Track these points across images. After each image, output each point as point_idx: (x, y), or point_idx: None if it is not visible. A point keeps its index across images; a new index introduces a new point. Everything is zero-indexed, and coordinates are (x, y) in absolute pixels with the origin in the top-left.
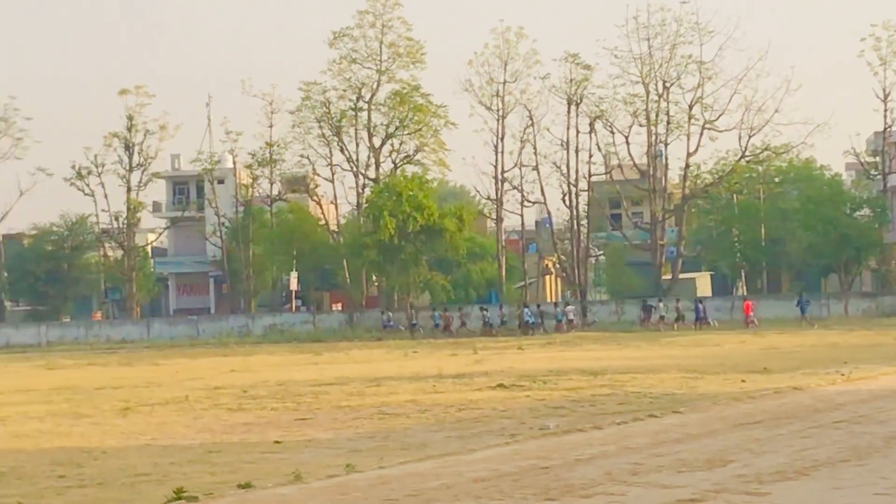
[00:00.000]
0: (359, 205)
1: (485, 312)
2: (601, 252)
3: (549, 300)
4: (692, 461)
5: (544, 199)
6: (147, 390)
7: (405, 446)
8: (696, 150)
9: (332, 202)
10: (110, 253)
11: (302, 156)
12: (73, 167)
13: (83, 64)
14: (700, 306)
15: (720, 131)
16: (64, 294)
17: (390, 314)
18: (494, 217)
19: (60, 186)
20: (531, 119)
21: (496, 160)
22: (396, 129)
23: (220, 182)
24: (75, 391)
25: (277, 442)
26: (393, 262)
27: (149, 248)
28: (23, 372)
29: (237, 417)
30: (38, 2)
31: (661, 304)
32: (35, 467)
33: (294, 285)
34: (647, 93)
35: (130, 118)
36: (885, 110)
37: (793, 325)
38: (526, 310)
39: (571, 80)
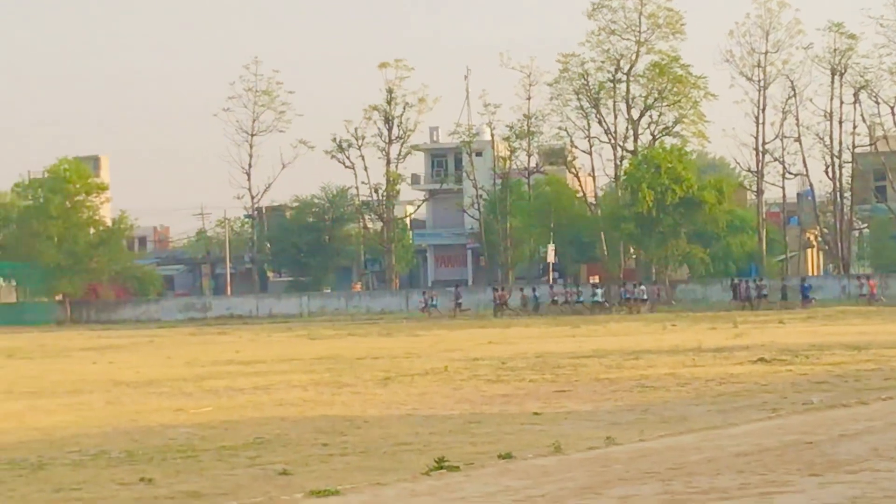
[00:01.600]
0: (617, 177)
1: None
2: (865, 225)
3: (811, 274)
4: None
5: (806, 171)
6: (407, 361)
7: (665, 419)
8: None
9: (589, 174)
10: (370, 225)
11: (560, 128)
12: (334, 140)
13: (344, 37)
14: None
15: None
16: (325, 265)
17: (434, 293)
18: (755, 189)
19: (321, 159)
20: (793, 90)
21: (757, 132)
22: (655, 100)
23: (478, 154)
24: (337, 361)
25: (536, 413)
26: (651, 234)
27: (407, 220)
28: (286, 342)
29: (496, 389)
30: None
31: None
32: (299, 435)
33: (551, 258)
34: None
35: (390, 91)
36: None
37: None
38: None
39: (835, 50)
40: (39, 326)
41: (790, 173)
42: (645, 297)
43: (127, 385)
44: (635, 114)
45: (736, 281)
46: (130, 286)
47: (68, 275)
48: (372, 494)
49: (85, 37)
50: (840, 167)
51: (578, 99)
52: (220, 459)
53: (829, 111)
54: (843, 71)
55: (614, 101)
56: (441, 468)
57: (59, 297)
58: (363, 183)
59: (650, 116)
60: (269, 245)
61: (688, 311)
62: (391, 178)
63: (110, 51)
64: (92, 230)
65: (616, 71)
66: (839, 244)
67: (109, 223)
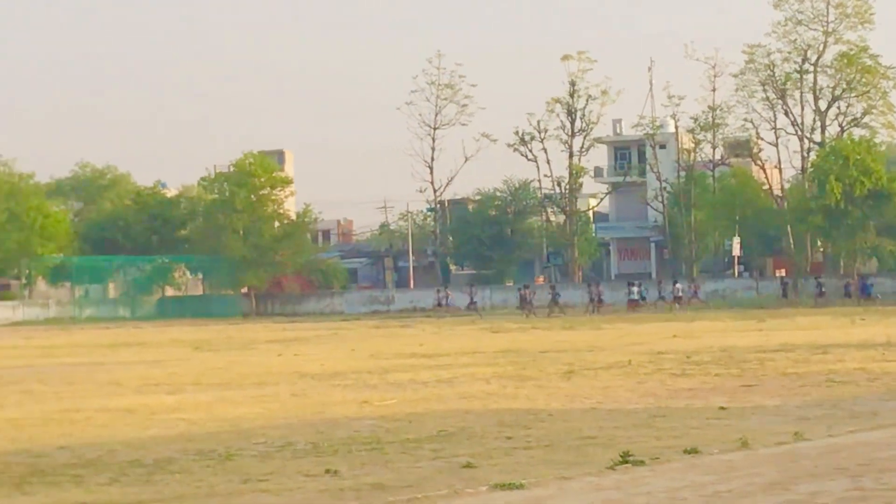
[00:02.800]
0: (803, 169)
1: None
2: None
3: None
4: None
5: None
6: (590, 354)
7: (854, 415)
8: None
9: (775, 166)
10: (552, 218)
11: (745, 119)
12: (517, 133)
13: (526, 30)
14: None
15: None
16: (507, 258)
17: (448, 292)
18: None
19: (503, 152)
20: None
21: None
22: (843, 91)
23: (662, 147)
24: (519, 354)
25: (722, 408)
26: (839, 227)
27: (590, 213)
28: (468, 334)
29: (681, 383)
30: None
31: None
32: (483, 428)
33: (737, 251)
34: None
35: (573, 83)
36: None
37: None
38: None
39: None
40: (225, 319)
41: None
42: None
43: (312, 377)
44: (822, 105)
45: None
46: (314, 279)
47: (253, 268)
48: (557, 488)
49: (270, 33)
50: None
51: (764, 90)
52: (405, 452)
53: None
54: None
55: (801, 93)
56: (626, 462)
57: (244, 290)
58: (546, 176)
59: (838, 107)
60: (451, 238)
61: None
62: (574, 171)
63: (295, 47)
64: (277, 223)
65: (803, 62)
66: None
67: (294, 216)
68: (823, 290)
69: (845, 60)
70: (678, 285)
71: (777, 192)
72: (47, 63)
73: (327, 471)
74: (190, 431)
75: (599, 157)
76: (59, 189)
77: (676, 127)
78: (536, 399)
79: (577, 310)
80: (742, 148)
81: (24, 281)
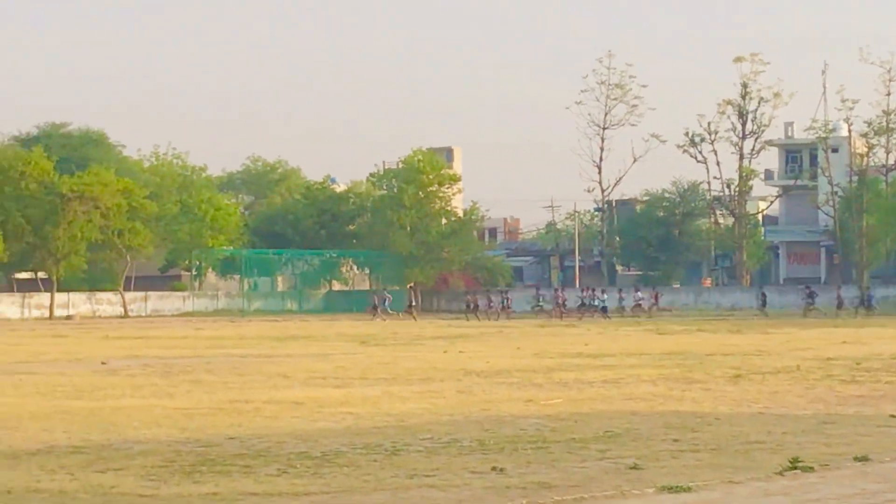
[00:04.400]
0: None
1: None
2: None
3: None
4: None
5: None
6: (758, 358)
7: None
8: None
9: None
10: (721, 220)
11: None
12: (687, 134)
13: (698, 31)
14: None
15: None
16: (674, 260)
17: (388, 294)
18: None
19: (672, 153)
20: None
21: None
22: None
23: (835, 151)
24: (686, 356)
25: (893, 416)
26: None
27: (759, 216)
28: (634, 336)
29: (850, 389)
30: None
31: None
32: (649, 430)
33: None
34: None
35: (745, 85)
36: None
37: None
38: None
39: None
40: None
41: None
42: None
43: (477, 374)
44: None
45: None
46: (480, 276)
47: (420, 264)
48: (724, 492)
49: (442, 31)
50: None
51: None
52: (571, 451)
53: None
54: None
55: None
56: (795, 468)
57: (410, 286)
58: (715, 178)
59: None
60: (618, 238)
61: None
62: (744, 174)
63: (465, 46)
64: (444, 220)
65: None
66: None
67: (461, 214)
68: None
69: None
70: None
71: None
72: (219, 60)
73: (493, 468)
74: (357, 425)
75: (770, 159)
76: (231, 182)
77: (850, 131)
78: (703, 402)
79: (746, 311)
80: None
81: (194, 272)
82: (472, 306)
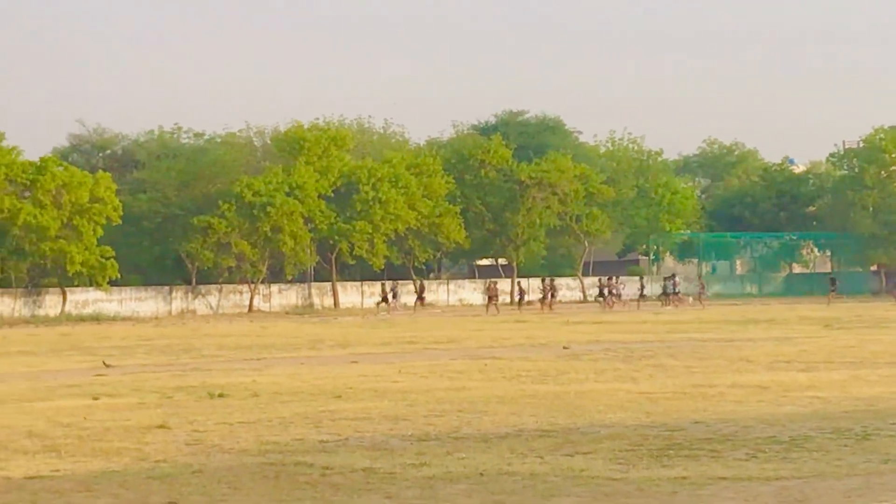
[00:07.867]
0: None
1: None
2: None
3: None
4: None
5: None
6: None
7: None
8: None
9: None
10: None
11: None
12: None
13: None
14: None
15: None
16: None
17: (395, 286)
18: None
19: None
20: None
21: None
22: None
23: None
24: None
25: None
26: None
27: None
28: None
29: None
30: None
31: None
32: None
33: None
34: None
35: None
36: None
37: None
38: None
39: None
40: (853, 296)
41: None
42: None
43: None
44: None
45: None
46: None
47: (884, 245)
48: None
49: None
50: None
51: None
52: None
53: None
54: None
55: None
56: None
57: (873, 268)
58: None
59: None
60: None
61: None
62: None
63: None
64: None
65: None
66: None
67: None
68: None
69: None
70: None
71: None
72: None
73: None
74: (825, 409)
75: None
76: (687, 166)
77: None
78: None
79: None
80: None
81: (651, 257)
82: None
